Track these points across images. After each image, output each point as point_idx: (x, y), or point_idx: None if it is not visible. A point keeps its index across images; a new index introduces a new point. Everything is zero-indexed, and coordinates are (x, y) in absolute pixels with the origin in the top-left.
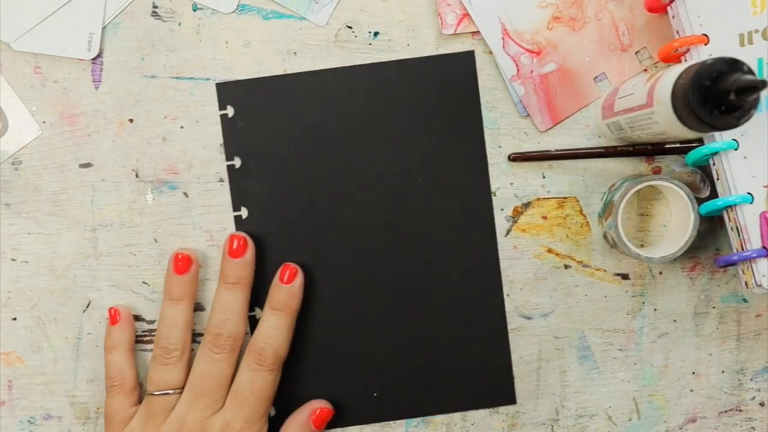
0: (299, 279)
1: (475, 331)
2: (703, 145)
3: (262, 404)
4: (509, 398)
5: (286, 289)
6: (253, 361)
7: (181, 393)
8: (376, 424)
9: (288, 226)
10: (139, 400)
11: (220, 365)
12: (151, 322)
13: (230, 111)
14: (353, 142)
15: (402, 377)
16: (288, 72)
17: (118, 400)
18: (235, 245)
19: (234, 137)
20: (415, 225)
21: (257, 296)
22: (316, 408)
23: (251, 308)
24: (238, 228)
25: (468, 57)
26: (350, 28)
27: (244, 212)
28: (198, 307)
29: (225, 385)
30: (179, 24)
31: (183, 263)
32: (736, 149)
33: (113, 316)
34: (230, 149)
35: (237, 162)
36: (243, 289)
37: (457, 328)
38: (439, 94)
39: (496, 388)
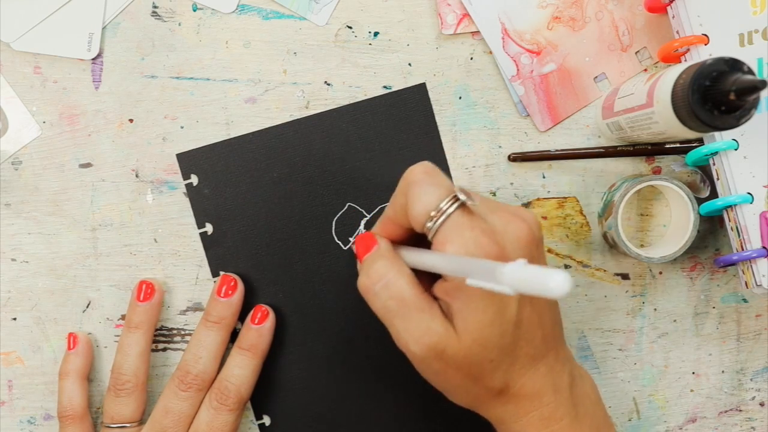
0: (269, 321)
1: None
2: (703, 145)
3: None
4: None
5: (255, 330)
6: (215, 399)
7: (137, 425)
8: None
9: (266, 285)
10: (93, 425)
11: (183, 403)
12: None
13: (194, 179)
14: (321, 191)
15: None
16: (287, 71)
17: (71, 430)
18: (224, 286)
19: (202, 204)
20: None
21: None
22: None
23: None
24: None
25: (420, 89)
26: (350, 28)
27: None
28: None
29: (185, 423)
30: (179, 24)
31: (145, 291)
32: (736, 149)
33: (71, 342)
34: (200, 217)
35: (209, 228)
36: (221, 330)
37: None
38: (397, 130)
39: None
